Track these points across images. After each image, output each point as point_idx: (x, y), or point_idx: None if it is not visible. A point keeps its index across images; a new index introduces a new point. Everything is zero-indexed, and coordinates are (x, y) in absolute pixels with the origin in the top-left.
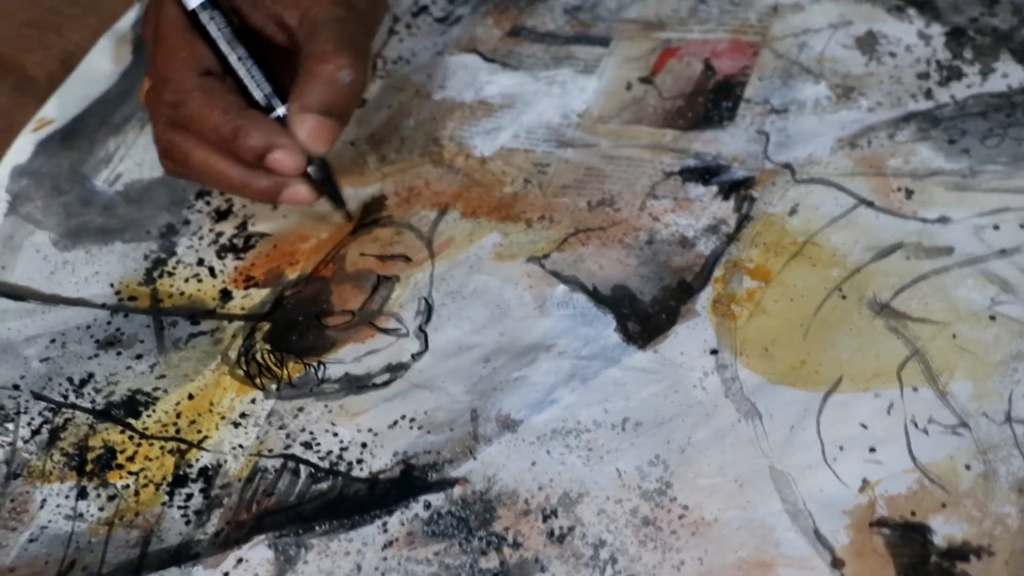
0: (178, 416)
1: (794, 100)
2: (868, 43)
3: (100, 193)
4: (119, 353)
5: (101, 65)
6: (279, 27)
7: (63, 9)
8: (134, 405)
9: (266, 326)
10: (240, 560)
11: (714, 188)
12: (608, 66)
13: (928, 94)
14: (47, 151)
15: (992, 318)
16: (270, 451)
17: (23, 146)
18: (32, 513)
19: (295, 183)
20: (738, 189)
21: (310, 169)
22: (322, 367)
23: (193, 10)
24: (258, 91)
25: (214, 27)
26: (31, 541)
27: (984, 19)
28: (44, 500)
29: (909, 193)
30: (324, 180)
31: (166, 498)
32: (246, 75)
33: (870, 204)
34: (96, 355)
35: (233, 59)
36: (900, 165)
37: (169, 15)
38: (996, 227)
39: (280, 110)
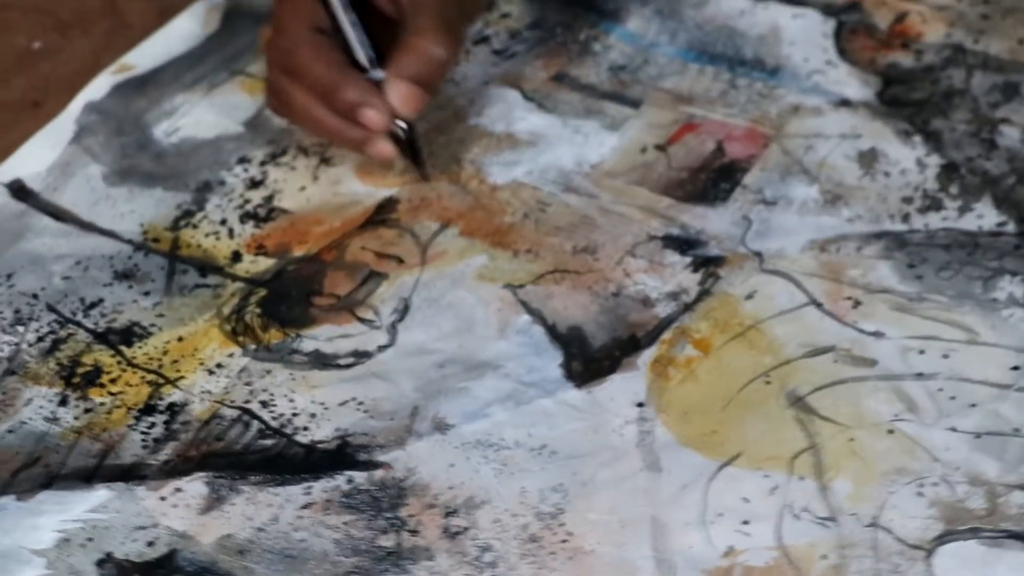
0: (164, 353)
1: (785, 196)
2: (869, 159)
3: (156, 141)
4: (130, 286)
5: (190, 26)
6: (390, 0)
7: None
8: (130, 335)
9: (262, 292)
10: (178, 489)
11: (688, 259)
12: (632, 127)
13: (906, 218)
14: (120, 93)
15: (890, 432)
16: (232, 402)
17: (101, 84)
18: (17, 408)
19: (381, 139)
20: (708, 265)
21: (397, 131)
22: (298, 339)
23: None
24: (361, 54)
25: None
26: (9, 432)
27: (979, 160)
28: (30, 399)
29: (856, 303)
30: (408, 142)
31: (133, 421)
32: (353, 38)
33: (819, 305)
34: (111, 283)
35: (344, 23)
36: (857, 276)
37: None
38: (921, 352)
39: (378, 73)
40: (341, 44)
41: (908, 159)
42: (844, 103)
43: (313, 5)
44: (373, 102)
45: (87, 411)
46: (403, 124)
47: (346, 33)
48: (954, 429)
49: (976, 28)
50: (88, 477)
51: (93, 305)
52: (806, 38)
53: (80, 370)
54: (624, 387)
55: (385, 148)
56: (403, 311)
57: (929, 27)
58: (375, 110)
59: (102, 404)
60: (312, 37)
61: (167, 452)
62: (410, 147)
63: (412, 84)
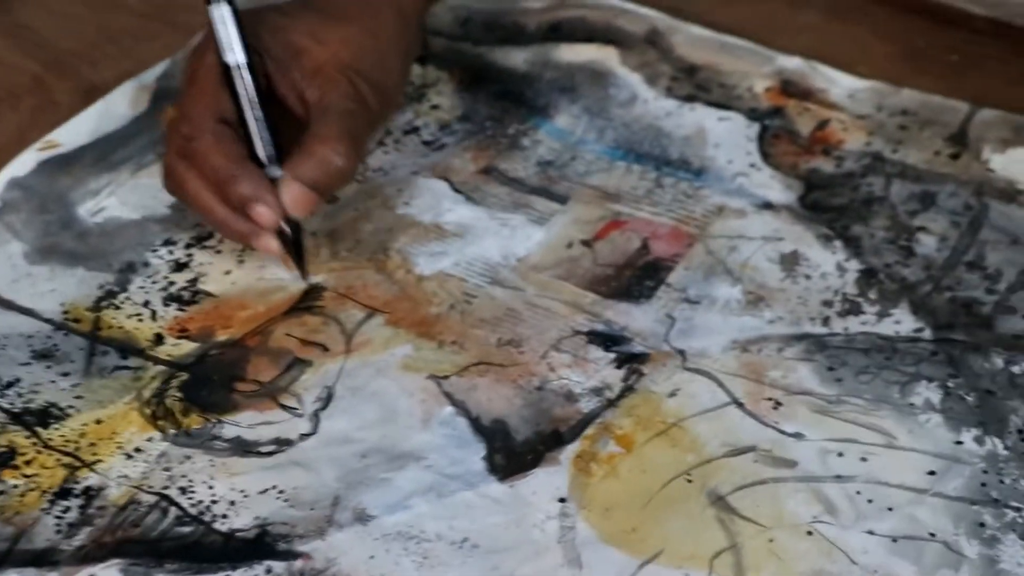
0: (81, 436)
1: (708, 295)
2: (790, 261)
3: (80, 220)
4: (49, 367)
5: (119, 106)
6: (299, 100)
7: (104, 47)
8: (46, 416)
9: (184, 376)
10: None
11: (611, 355)
12: (558, 222)
13: (826, 321)
14: (45, 171)
15: (809, 533)
16: (150, 487)
17: (25, 161)
18: None
19: (267, 235)
20: (632, 362)
21: (285, 229)
22: (219, 424)
23: (227, 66)
24: (261, 149)
25: (241, 86)
26: None
27: (897, 267)
28: None
29: (777, 404)
30: (294, 242)
31: (47, 505)
32: (256, 133)
33: (740, 405)
34: (28, 363)
35: (249, 117)
36: (778, 378)
37: (208, 62)
38: (840, 454)
39: (275, 171)
40: (243, 137)
41: (828, 263)
42: (767, 206)
43: (219, 95)
44: (266, 199)
45: (0, 493)
46: (289, 225)
47: (250, 128)
48: (872, 532)
49: (895, 138)
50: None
51: (9, 385)
52: (731, 141)
53: None
54: (547, 482)
55: (271, 244)
56: (326, 399)
57: (849, 135)
58: (267, 207)
59: (15, 486)
60: (214, 127)
61: (81, 538)
62: (295, 247)
63: (306, 187)
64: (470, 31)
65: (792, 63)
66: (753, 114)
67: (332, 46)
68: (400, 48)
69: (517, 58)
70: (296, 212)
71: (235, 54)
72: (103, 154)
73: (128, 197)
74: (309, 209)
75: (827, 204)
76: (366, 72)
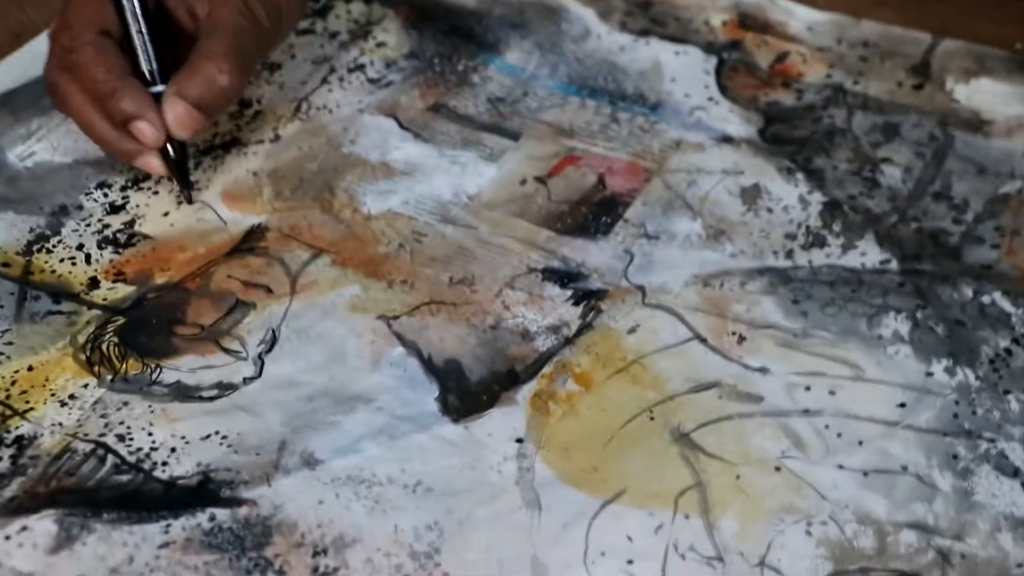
0: (12, 384)
1: (667, 230)
2: (751, 195)
3: (9, 165)
4: None
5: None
6: (188, 15)
7: None
8: None
9: (120, 320)
10: (24, 528)
11: (568, 292)
12: (511, 159)
13: (789, 254)
14: None
15: (777, 469)
16: (85, 435)
17: None
18: None
19: (151, 154)
20: (589, 299)
21: (169, 148)
22: (159, 370)
23: None
24: (145, 64)
25: None
26: None
27: (861, 199)
28: None
29: (741, 339)
30: (178, 161)
31: None
32: (140, 47)
33: (703, 340)
34: None
35: (133, 30)
36: (741, 312)
37: None
38: (807, 388)
39: (159, 87)
40: (126, 52)
41: (791, 196)
42: (726, 139)
43: (103, 6)
44: (149, 116)
45: None
46: (173, 144)
47: (134, 40)
48: (841, 467)
49: (856, 70)
50: None
51: None
52: (688, 75)
53: None
54: (503, 422)
55: (154, 163)
56: (271, 342)
57: (809, 67)
58: (148, 124)
59: None
60: (95, 39)
61: (13, 488)
62: (178, 167)
63: (190, 106)
64: None
65: None
66: (710, 48)
67: None
68: None
69: None
70: (179, 132)
71: None
72: (33, 98)
73: (60, 141)
74: (193, 128)
75: (788, 137)
76: None
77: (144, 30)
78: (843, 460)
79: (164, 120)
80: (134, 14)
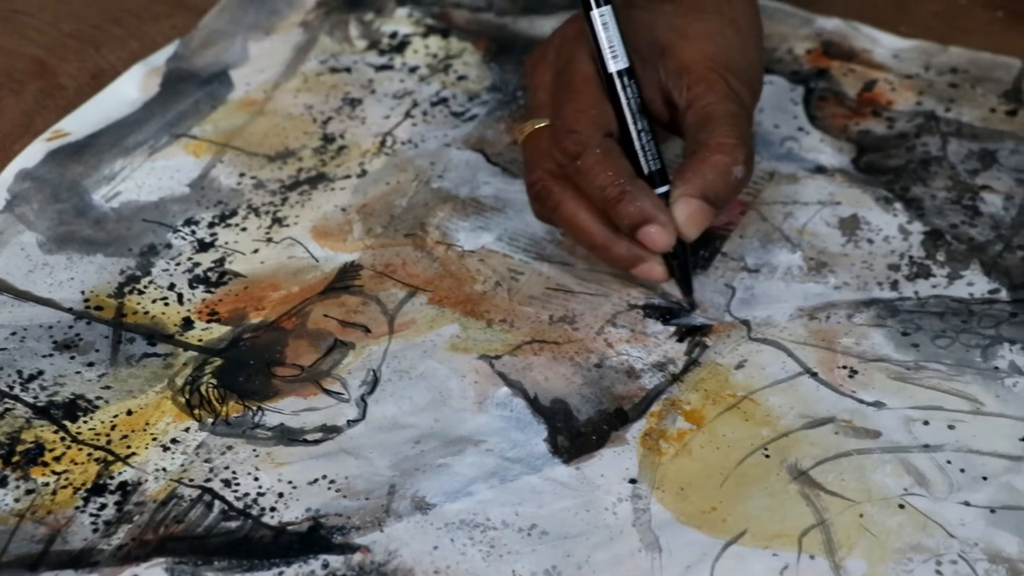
0: (112, 428)
1: (768, 263)
2: (850, 225)
3: (95, 207)
4: (72, 357)
5: (128, 90)
6: (665, 104)
7: (108, 28)
8: (73, 409)
9: (217, 362)
10: None
11: (671, 328)
12: None
13: (894, 285)
14: (55, 160)
15: (901, 506)
16: (191, 480)
17: (34, 152)
18: None
19: (653, 259)
20: (694, 334)
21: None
22: (260, 412)
23: (610, 74)
24: (646, 165)
25: (625, 95)
26: None
27: (963, 227)
28: None
29: (853, 372)
30: (682, 265)
31: (81, 503)
32: (641, 147)
33: (814, 375)
34: (51, 355)
35: (634, 129)
36: (851, 345)
37: (583, 71)
38: (926, 423)
39: (662, 188)
40: (628, 153)
41: (891, 226)
42: (820, 170)
43: (604, 106)
44: (661, 219)
45: (29, 492)
46: (677, 244)
47: (636, 140)
48: (967, 503)
49: (946, 97)
50: (33, 565)
51: (32, 378)
52: (775, 104)
53: (20, 448)
54: (615, 462)
55: (658, 271)
56: (372, 383)
57: (899, 95)
58: (660, 228)
59: (46, 484)
60: (602, 141)
61: (121, 536)
62: (682, 271)
63: (704, 202)
64: (492, 1)
65: (831, 24)
66: (796, 77)
67: (697, 41)
68: (757, 35)
69: (543, 27)
70: (690, 231)
71: (620, 60)
72: (115, 140)
73: (144, 180)
74: (703, 227)
75: (882, 166)
76: (734, 67)
77: (645, 128)
78: (968, 496)
79: (674, 222)
80: (637, 113)
